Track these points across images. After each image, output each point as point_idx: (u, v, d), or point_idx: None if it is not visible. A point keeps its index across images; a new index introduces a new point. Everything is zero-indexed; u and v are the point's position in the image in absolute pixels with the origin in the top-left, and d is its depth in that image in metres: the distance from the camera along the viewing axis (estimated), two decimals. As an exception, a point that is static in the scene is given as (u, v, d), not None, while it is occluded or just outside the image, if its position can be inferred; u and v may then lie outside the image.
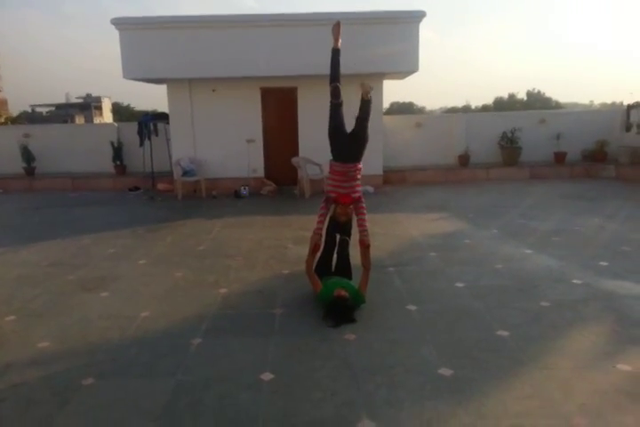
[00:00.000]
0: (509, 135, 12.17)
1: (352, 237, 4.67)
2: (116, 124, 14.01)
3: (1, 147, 12.77)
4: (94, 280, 5.14)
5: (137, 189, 11.50)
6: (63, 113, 65.16)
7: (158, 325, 3.98)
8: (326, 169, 10.82)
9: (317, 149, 10.99)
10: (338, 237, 4.65)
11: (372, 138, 11.16)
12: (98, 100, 73.80)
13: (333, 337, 3.67)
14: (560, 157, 12.22)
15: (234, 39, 10.03)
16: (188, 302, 4.45)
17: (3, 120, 35.84)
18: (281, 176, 11.36)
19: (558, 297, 4.32)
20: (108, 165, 12.57)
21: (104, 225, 7.92)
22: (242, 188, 10.53)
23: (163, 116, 11.71)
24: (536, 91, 71.78)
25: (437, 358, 3.28)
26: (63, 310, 4.36)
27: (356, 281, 4.36)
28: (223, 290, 4.75)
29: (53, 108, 71.59)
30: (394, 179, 11.64)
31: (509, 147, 12.17)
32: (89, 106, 70.85)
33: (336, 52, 4.89)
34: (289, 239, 6.65)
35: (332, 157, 4.72)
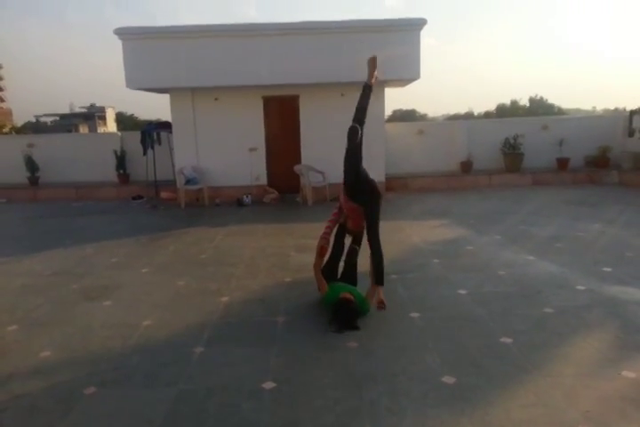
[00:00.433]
0: (511, 142, 12.18)
1: (362, 246, 4.64)
2: (119, 134, 14.08)
3: (5, 157, 12.84)
4: (97, 289, 5.15)
5: (140, 197, 11.53)
6: (67, 123, 65.61)
7: (160, 333, 3.97)
8: (329, 176, 10.85)
9: (320, 157, 11.06)
10: (347, 244, 4.67)
11: (374, 145, 11.26)
12: (101, 109, 74.37)
13: (336, 345, 3.65)
14: (562, 164, 12.21)
15: (236, 48, 10.11)
16: (191, 311, 4.44)
17: (7, 130, 36.09)
18: (283, 184, 11.38)
19: (562, 303, 4.30)
20: (111, 174, 12.62)
21: (107, 234, 7.94)
22: (244, 196, 10.55)
23: (166, 126, 11.77)
24: (538, 97, 71.77)
25: (441, 366, 3.26)
26: (66, 319, 4.36)
27: (361, 290, 4.34)
28: (225, 298, 4.75)
29: (57, 118, 72.11)
30: (396, 186, 11.65)
31: (512, 153, 12.17)
32: (93, 116, 71.37)
33: (368, 89, 4.60)
34: (291, 247, 6.64)
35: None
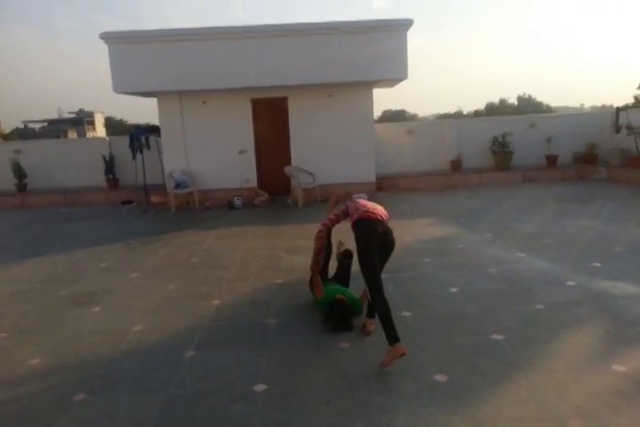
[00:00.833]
0: (500, 140, 12.23)
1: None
2: (107, 138, 14.01)
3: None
4: (86, 295, 5.10)
5: (130, 202, 11.46)
6: (56, 128, 65.08)
7: (150, 338, 3.94)
8: (319, 177, 10.83)
9: (310, 158, 11.07)
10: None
11: (363, 146, 11.28)
12: (90, 114, 73.82)
13: (327, 346, 3.64)
14: (551, 161, 12.28)
15: (223, 51, 10.09)
16: (181, 315, 4.41)
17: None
18: (274, 186, 11.36)
19: (552, 299, 4.31)
20: (100, 180, 12.54)
21: (96, 239, 7.87)
22: (235, 198, 10.51)
23: (154, 129, 11.71)
24: (527, 95, 72.17)
25: (432, 364, 3.26)
26: (54, 326, 4.31)
27: (354, 291, 4.33)
28: (216, 301, 4.72)
29: (46, 124, 71.56)
30: (386, 185, 11.66)
31: (501, 151, 12.22)
32: (81, 121, 70.85)
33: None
34: (282, 249, 6.62)
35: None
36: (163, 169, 11.49)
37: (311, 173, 10.73)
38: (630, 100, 15.87)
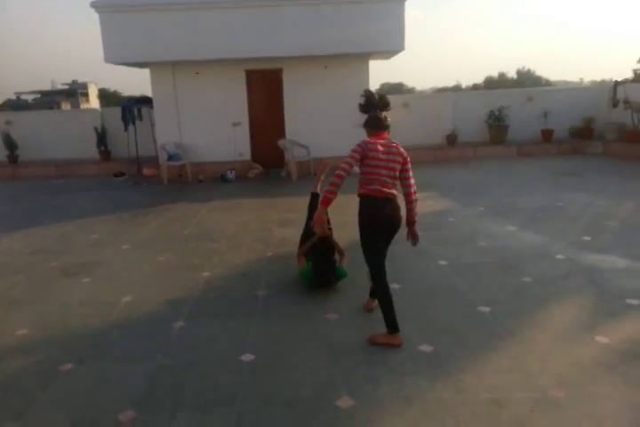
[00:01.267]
0: (496, 113, 12.12)
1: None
2: (99, 110, 13.81)
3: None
4: (76, 266, 5.10)
5: (122, 174, 11.37)
6: (49, 100, 64.06)
7: (140, 310, 3.95)
8: (313, 151, 10.76)
9: (304, 131, 10.95)
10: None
11: (359, 119, 11.12)
12: (84, 86, 72.61)
13: (315, 317, 3.66)
14: (547, 135, 12.20)
15: (216, 21, 9.85)
16: (171, 287, 4.42)
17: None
18: (268, 159, 11.27)
19: (540, 273, 4.33)
20: (92, 151, 12.41)
21: (88, 211, 7.84)
22: (228, 171, 10.44)
23: (147, 101, 11.53)
24: (526, 69, 71.26)
25: (418, 335, 3.29)
26: (44, 297, 4.32)
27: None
28: (206, 273, 4.73)
29: (39, 96, 70.44)
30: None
31: (496, 125, 12.12)
32: (75, 92, 69.73)
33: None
34: (274, 222, 6.61)
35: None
36: (155, 141, 11.37)
37: (305, 146, 10.64)
38: (630, 75, 15.65)
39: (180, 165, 10.65)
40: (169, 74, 10.84)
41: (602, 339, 3.12)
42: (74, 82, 75.00)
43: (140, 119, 11.62)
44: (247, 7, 9.83)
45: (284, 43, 9.92)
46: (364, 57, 10.77)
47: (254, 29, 9.86)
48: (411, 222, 3.54)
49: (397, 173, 3.36)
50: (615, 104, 12.06)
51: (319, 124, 11.07)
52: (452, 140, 12.20)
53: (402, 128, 12.43)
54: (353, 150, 3.28)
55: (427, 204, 7.31)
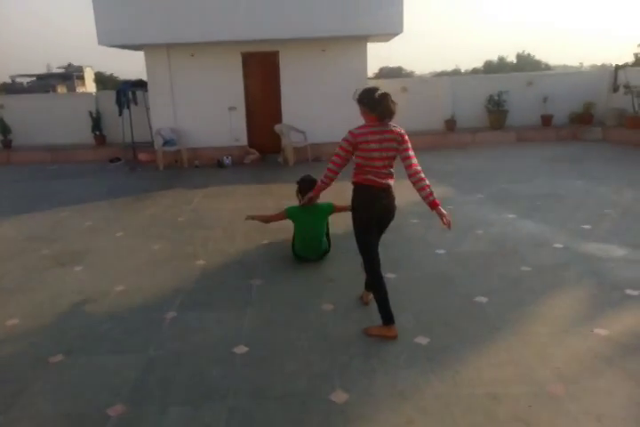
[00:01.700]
0: (496, 98, 11.95)
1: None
2: (93, 94, 13.60)
3: (-26, 119, 12.35)
4: (69, 254, 5.03)
5: (118, 159, 11.24)
6: (44, 83, 63.30)
7: (132, 299, 3.89)
8: (310, 136, 10.63)
9: (301, 116, 10.78)
10: None
11: (355, 103, 10.89)
12: (80, 69, 71.74)
13: (311, 308, 3.61)
14: (547, 120, 12.06)
15: (212, 2, 9.61)
16: (165, 276, 4.36)
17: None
18: (264, 144, 11.13)
19: (539, 262, 4.28)
20: (87, 136, 12.23)
21: (83, 197, 7.74)
22: (224, 157, 10.32)
23: (142, 84, 11.33)
24: (526, 53, 70.52)
25: (414, 327, 3.24)
26: (36, 285, 4.25)
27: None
28: (201, 262, 4.66)
29: (34, 79, 69.65)
30: (379, 145, 11.44)
31: (496, 110, 11.97)
32: (71, 76, 68.92)
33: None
34: (271, 209, 6.49)
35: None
36: (150, 126, 11.21)
37: (302, 132, 10.50)
38: (630, 59, 15.45)
39: (176, 150, 10.51)
40: (164, 57, 10.63)
41: (601, 331, 3.07)
42: (69, 65, 74.02)
43: (135, 103, 11.42)
44: (243, -12, 9.60)
45: (281, 24, 9.70)
46: (361, 40, 10.56)
47: (250, 11, 9.63)
48: (431, 205, 3.17)
49: (392, 160, 3.19)
50: (616, 89, 11.91)
51: (316, 109, 10.90)
52: (450, 125, 12.06)
53: (400, 113, 12.22)
54: (340, 145, 3.16)
55: (425, 190, 7.24)
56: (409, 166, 3.15)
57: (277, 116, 11.02)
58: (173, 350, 3.10)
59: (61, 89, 59.60)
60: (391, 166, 3.21)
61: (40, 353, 3.10)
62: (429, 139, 11.69)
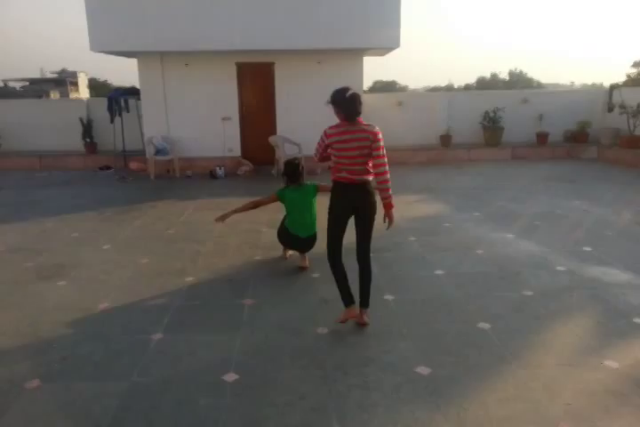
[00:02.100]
0: (491, 115, 11.92)
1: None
2: (85, 100, 13.41)
3: (-38, 123, 12.10)
4: (53, 268, 4.81)
5: (108, 168, 11.03)
6: (37, 88, 62.92)
7: (117, 318, 3.69)
8: (304, 148, 10.50)
9: (296, 128, 10.65)
10: None
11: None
12: (73, 75, 71.47)
13: (305, 331, 3.43)
14: (542, 138, 12.03)
15: (207, 11, 9.51)
16: (152, 292, 4.16)
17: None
18: (258, 156, 10.98)
19: (541, 285, 4.14)
20: (77, 143, 12.01)
21: (70, 207, 7.52)
22: (217, 168, 10.15)
23: (134, 92, 11.18)
24: (518, 70, 71.35)
25: (415, 355, 3.07)
26: (16, 301, 4.04)
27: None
28: (190, 278, 4.47)
29: (27, 84, 69.22)
30: (374, 159, 11.33)
31: (491, 127, 11.93)
32: (64, 81, 68.62)
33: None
34: (263, 223, 6.35)
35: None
36: (142, 134, 11.03)
37: (297, 144, 10.36)
38: (622, 79, 15.54)
39: (168, 159, 10.33)
40: (157, 65, 10.50)
41: (611, 363, 2.92)
42: (63, 70, 73.75)
43: (127, 111, 11.26)
44: (240, -2, 9.52)
45: (277, 35, 9.61)
46: (358, 53, 10.51)
47: (246, 21, 9.55)
48: (385, 205, 3.45)
49: (368, 157, 3.32)
50: (611, 108, 11.92)
51: (311, 122, 10.71)
52: (446, 140, 11.99)
53: (395, 127, 12.22)
54: (317, 143, 3.47)
55: (421, 207, 7.12)
56: (375, 165, 3.32)
57: (272, 128, 10.90)
58: (159, 376, 2.90)
59: (54, 94, 59.30)
60: (366, 164, 3.34)
61: (15, 378, 2.89)
62: (424, 153, 11.63)
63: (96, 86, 67.41)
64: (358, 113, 3.30)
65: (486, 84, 62.98)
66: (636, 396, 2.61)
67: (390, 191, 3.39)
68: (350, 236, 3.56)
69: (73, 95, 62.22)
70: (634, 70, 18.69)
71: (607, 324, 3.44)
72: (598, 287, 4.07)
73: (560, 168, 10.34)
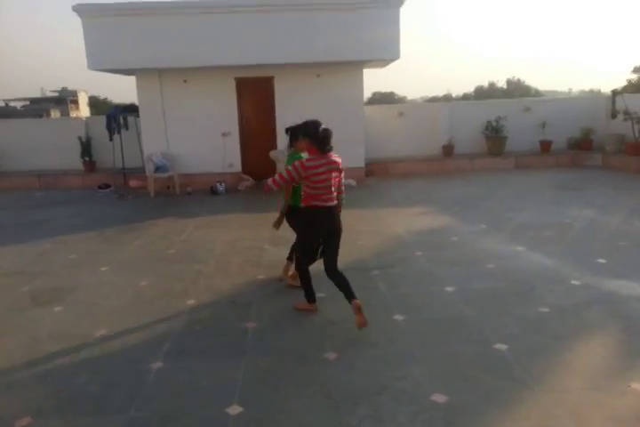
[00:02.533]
0: (494, 124, 11.81)
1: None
2: (83, 119, 13.35)
3: (-39, 144, 12.02)
4: (49, 292, 4.66)
5: (107, 186, 10.91)
6: (38, 107, 63.39)
7: (114, 346, 3.53)
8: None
9: (296, 142, 10.52)
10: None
11: (353, 128, 10.73)
12: (74, 93, 72.03)
13: (312, 356, 3.26)
14: (546, 146, 11.90)
15: (205, 26, 9.46)
16: (151, 317, 4.00)
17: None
18: (259, 170, 10.78)
19: (558, 301, 3.96)
20: (77, 162, 11.90)
21: (69, 227, 7.38)
22: (218, 184, 10.02)
23: (133, 109, 11.10)
24: (516, 79, 71.63)
25: (429, 381, 2.89)
26: (10, 329, 3.88)
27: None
28: (191, 301, 4.31)
29: (28, 103, 69.72)
30: (376, 171, 11.22)
31: (494, 136, 11.80)
32: (65, 100, 69.14)
33: None
34: (266, 240, 6.20)
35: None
36: (142, 151, 10.93)
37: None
38: (621, 85, 15.46)
39: (168, 176, 10.22)
40: (155, 81, 10.44)
41: (639, 387, 2.74)
42: (63, 89, 74.41)
43: (127, 128, 11.17)
44: (237, 13, 9.46)
45: (276, 50, 9.54)
46: (358, 65, 10.44)
47: (244, 36, 9.49)
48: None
49: (337, 184, 3.75)
50: (614, 115, 11.79)
51: (312, 135, 10.67)
52: (448, 150, 11.88)
53: (396, 138, 12.16)
54: (288, 174, 3.61)
55: (425, 220, 6.96)
56: (340, 189, 3.85)
57: (272, 142, 10.79)
58: (158, 409, 2.73)
59: (55, 113, 59.74)
60: (336, 192, 3.75)
61: (5, 414, 2.73)
62: (427, 165, 11.49)
63: (96, 104, 67.88)
64: (332, 147, 3.72)
65: (484, 93, 63.16)
66: (670, 423, 2.43)
67: None
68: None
69: (73, 113, 62.66)
70: (634, 76, 18.62)
71: (630, 342, 3.27)
72: (617, 302, 3.90)
73: (565, 176, 10.19)
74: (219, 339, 3.58)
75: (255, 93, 10.84)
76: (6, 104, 66.47)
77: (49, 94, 74.16)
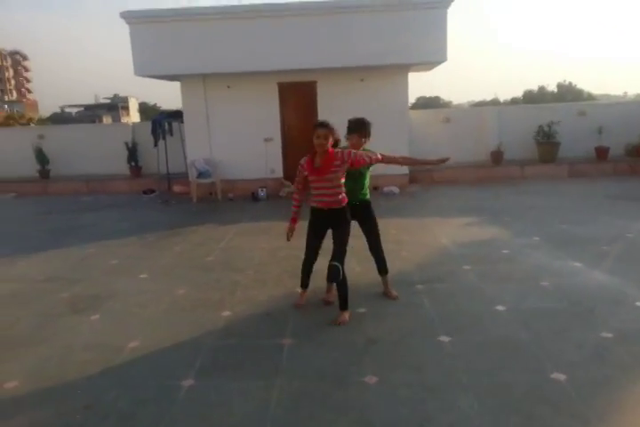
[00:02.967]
0: (546, 129, 11.30)
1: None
2: (130, 124, 13.61)
3: (15, 149, 12.46)
4: (87, 299, 4.63)
5: (152, 191, 11.04)
6: (91, 114, 65.88)
7: (147, 358, 3.42)
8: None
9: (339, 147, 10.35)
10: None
11: (397, 134, 10.47)
12: (124, 100, 74.55)
13: (351, 379, 3.05)
14: (602, 153, 11.29)
15: (248, 32, 9.46)
16: (185, 329, 3.88)
17: (25, 121, 36.09)
18: (301, 176, 10.73)
19: (621, 325, 3.61)
20: (123, 167, 12.15)
21: (112, 232, 7.45)
22: (259, 189, 9.97)
23: (178, 115, 11.22)
24: (567, 82, 69.28)
25: (479, 414, 2.63)
26: (46, 337, 3.84)
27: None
28: (227, 313, 4.17)
29: (82, 109, 72.54)
30: (420, 178, 10.92)
31: (546, 142, 11.29)
32: (116, 106, 71.61)
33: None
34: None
35: None
36: (185, 157, 11.02)
37: (340, 164, 10.06)
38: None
39: (210, 182, 10.24)
40: (200, 87, 10.50)
41: None
42: (115, 96, 77.17)
43: (171, 134, 11.30)
44: (280, 17, 9.40)
45: (318, 54, 9.44)
46: (403, 69, 10.20)
47: (287, 40, 9.42)
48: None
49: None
50: (678, 120, 11.09)
51: (355, 141, 10.48)
52: (497, 157, 11.43)
53: (442, 144, 11.78)
54: (369, 158, 4.07)
55: (473, 231, 6.64)
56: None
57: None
58: (186, 433, 2.59)
59: (106, 119, 61.95)
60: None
61: (32, 432, 2.64)
62: (474, 171, 11.11)
63: (146, 110, 69.94)
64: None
65: (534, 98, 61.42)
66: None
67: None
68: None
69: (124, 119, 64.76)
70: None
71: None
72: (690, 328, 3.51)
73: (624, 185, 9.61)
74: (252, 356, 3.42)
75: (298, 98, 10.75)
76: (62, 110, 69.35)
77: (102, 101, 77.01)
